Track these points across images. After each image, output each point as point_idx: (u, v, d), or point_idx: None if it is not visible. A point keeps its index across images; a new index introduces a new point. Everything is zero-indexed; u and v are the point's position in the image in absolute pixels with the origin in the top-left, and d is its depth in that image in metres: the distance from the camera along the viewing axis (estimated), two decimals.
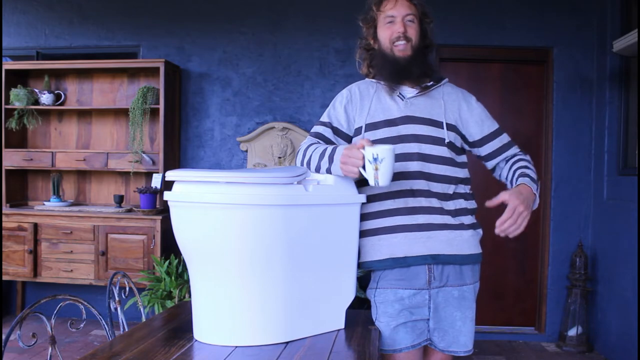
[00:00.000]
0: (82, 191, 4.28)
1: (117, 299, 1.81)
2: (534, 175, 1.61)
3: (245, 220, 1.30)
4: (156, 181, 3.88)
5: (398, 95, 1.68)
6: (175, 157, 4.11)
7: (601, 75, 3.75)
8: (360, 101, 1.70)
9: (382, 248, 1.62)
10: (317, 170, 1.57)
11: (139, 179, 4.13)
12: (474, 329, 1.70)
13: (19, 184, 4.25)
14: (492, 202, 1.47)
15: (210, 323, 1.39)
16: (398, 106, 1.66)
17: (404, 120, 1.64)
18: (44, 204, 4.05)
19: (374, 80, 1.73)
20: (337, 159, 1.50)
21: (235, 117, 4.12)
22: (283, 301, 1.38)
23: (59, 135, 4.30)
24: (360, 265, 1.67)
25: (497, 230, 1.44)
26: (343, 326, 1.53)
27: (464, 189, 1.70)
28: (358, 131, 1.68)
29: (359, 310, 1.74)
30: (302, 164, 1.65)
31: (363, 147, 1.42)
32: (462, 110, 1.70)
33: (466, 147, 1.74)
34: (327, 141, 1.69)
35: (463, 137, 1.70)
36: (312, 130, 1.74)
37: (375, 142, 1.51)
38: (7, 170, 4.06)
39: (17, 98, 4.01)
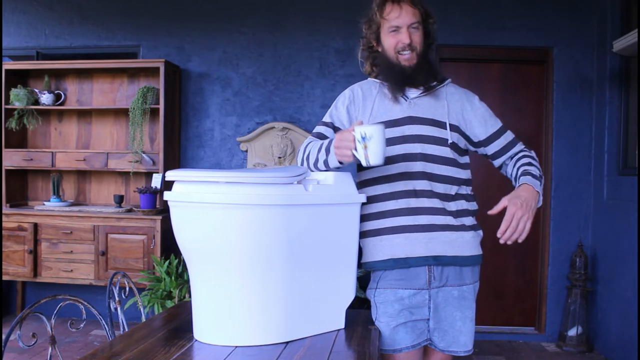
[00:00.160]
0: (82, 191, 4.28)
1: (117, 299, 1.81)
2: (537, 172, 1.60)
3: (245, 220, 1.30)
4: (156, 181, 3.88)
5: (402, 96, 1.67)
6: (175, 157, 4.11)
7: (601, 75, 3.75)
8: (362, 101, 1.69)
9: (384, 249, 1.62)
10: (316, 163, 1.57)
11: (139, 179, 4.13)
12: (474, 328, 1.70)
13: (19, 184, 4.25)
14: (493, 210, 1.49)
15: (210, 323, 1.39)
16: (401, 106, 1.66)
17: (407, 121, 1.64)
18: (44, 204, 4.05)
19: (376, 80, 1.72)
20: (332, 148, 1.50)
21: (235, 117, 4.12)
22: (283, 301, 1.38)
23: (59, 135, 4.30)
24: (361, 265, 1.67)
25: (501, 241, 1.46)
26: (343, 326, 1.53)
27: (465, 190, 1.70)
28: None
29: (359, 310, 1.74)
30: (301, 161, 1.65)
31: (354, 130, 1.43)
32: (466, 111, 1.69)
33: (471, 147, 1.73)
34: None
35: (467, 138, 1.70)
36: (314, 131, 1.73)
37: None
38: (7, 170, 4.06)
39: (17, 98, 4.01)
